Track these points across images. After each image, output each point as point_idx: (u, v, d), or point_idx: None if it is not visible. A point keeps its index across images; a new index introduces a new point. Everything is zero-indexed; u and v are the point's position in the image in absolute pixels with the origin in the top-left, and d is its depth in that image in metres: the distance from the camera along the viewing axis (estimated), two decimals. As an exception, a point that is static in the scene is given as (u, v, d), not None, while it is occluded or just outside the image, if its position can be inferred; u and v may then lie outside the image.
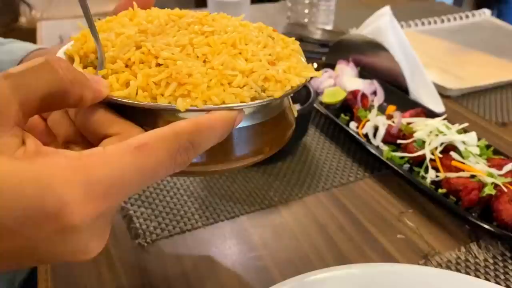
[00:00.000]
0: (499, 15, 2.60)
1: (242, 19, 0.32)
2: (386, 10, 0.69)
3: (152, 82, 0.24)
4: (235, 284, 0.38)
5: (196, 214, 0.44)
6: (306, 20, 0.86)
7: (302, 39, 0.78)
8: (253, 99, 0.26)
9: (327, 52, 0.75)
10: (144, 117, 0.25)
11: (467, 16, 1.02)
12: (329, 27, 0.88)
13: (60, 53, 0.29)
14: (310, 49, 0.79)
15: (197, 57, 0.26)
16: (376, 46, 0.67)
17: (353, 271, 0.36)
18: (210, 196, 0.47)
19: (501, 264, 0.41)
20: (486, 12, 1.04)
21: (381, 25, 0.67)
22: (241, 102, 0.25)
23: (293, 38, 0.32)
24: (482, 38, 0.93)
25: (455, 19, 1.01)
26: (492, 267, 0.40)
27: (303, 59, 0.31)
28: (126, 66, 0.26)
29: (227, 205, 0.46)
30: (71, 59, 0.28)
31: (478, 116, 0.65)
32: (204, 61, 0.26)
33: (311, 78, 0.30)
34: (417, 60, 0.67)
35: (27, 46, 0.46)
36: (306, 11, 0.85)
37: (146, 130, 0.24)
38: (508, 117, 0.65)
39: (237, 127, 0.26)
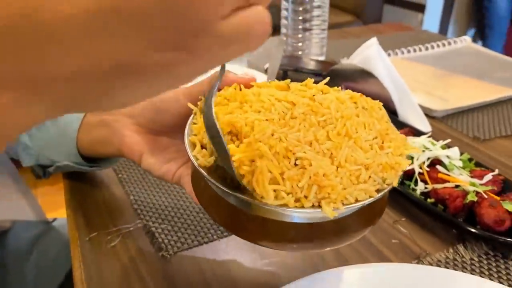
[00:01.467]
0: (484, 39, 2.73)
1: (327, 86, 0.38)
2: (373, 41, 0.76)
3: (296, 186, 0.27)
4: (251, 287, 0.42)
5: (211, 229, 0.49)
6: (300, 52, 0.93)
7: (297, 70, 0.85)
8: (377, 190, 0.30)
9: (321, 81, 0.82)
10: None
11: (449, 43, 1.10)
12: (322, 58, 0.95)
13: (185, 138, 0.34)
14: (305, 79, 0.85)
15: (324, 152, 0.29)
16: (366, 74, 0.73)
17: (354, 270, 0.41)
18: (223, 213, 0.52)
19: (485, 262, 0.46)
20: (467, 39, 1.12)
21: (370, 55, 0.74)
22: (370, 197, 0.29)
23: (378, 102, 0.36)
24: (464, 63, 1.01)
25: (438, 46, 1.09)
26: (477, 265, 0.45)
27: (389, 120, 0.35)
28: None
29: (238, 220, 0.51)
30: (192, 145, 0.32)
31: (462, 133, 0.71)
32: (330, 156, 0.29)
33: None
34: (403, 85, 0.73)
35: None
36: (300, 44, 0.92)
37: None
38: (488, 134, 0.71)
39: (355, 208, 0.30)
